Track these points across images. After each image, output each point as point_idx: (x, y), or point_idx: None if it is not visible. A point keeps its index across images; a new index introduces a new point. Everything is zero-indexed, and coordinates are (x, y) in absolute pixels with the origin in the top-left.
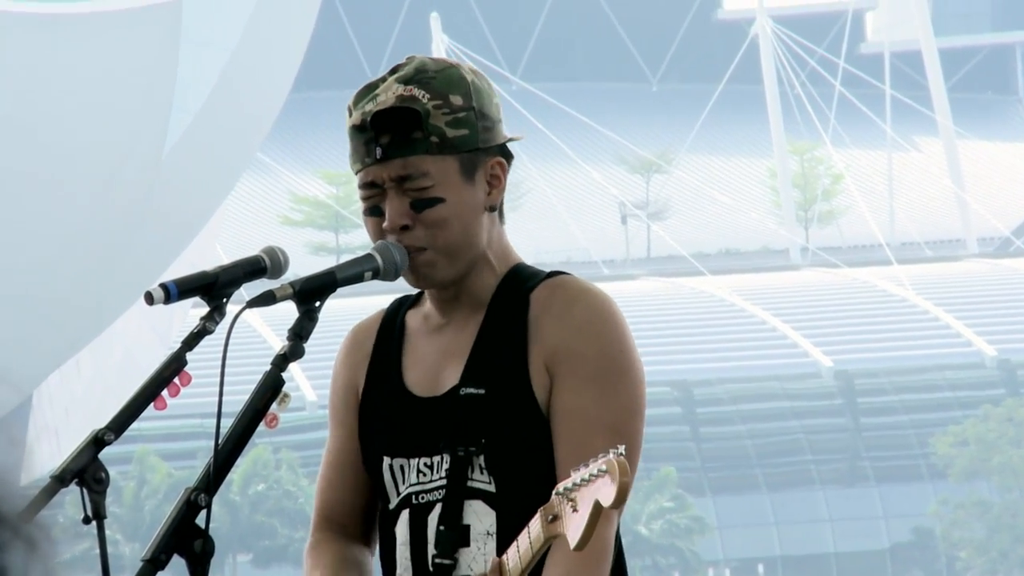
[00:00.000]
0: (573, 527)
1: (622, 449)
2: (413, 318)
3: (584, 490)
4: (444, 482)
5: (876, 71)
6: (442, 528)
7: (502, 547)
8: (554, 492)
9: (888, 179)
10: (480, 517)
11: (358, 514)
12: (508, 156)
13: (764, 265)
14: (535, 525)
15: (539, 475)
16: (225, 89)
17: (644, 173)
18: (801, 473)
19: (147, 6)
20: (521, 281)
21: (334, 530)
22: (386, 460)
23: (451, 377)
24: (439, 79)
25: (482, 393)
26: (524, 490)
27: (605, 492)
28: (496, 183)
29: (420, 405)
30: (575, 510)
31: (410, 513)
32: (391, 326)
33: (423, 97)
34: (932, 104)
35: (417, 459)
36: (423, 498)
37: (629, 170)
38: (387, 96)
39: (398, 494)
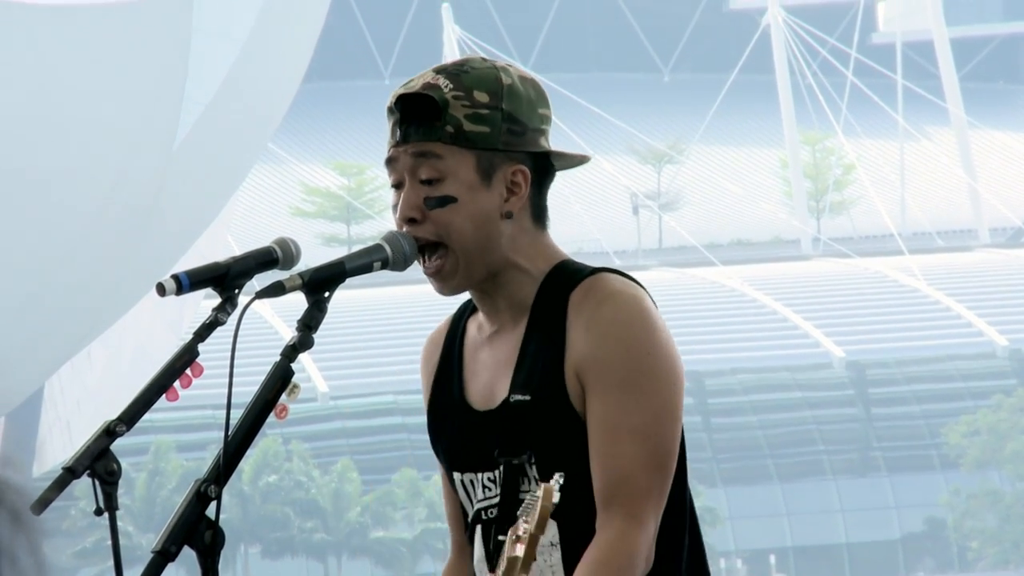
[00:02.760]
0: (521, 547)
1: (559, 477)
2: (472, 326)
3: (532, 511)
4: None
5: (888, 61)
6: (500, 539)
7: (567, 556)
8: (518, 513)
9: (900, 169)
10: None
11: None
12: (543, 169)
13: (776, 255)
14: (507, 547)
15: (586, 484)
16: (236, 80)
17: (656, 163)
18: (813, 463)
19: None
20: (562, 282)
21: (460, 553)
22: (456, 476)
23: (503, 388)
24: (472, 75)
25: (528, 400)
26: (582, 497)
27: (532, 516)
28: (516, 190)
29: (479, 419)
30: (518, 540)
31: (482, 529)
32: (455, 335)
33: (446, 87)
34: (944, 94)
35: (482, 474)
36: (491, 513)
37: (641, 160)
38: (416, 82)
39: (472, 507)
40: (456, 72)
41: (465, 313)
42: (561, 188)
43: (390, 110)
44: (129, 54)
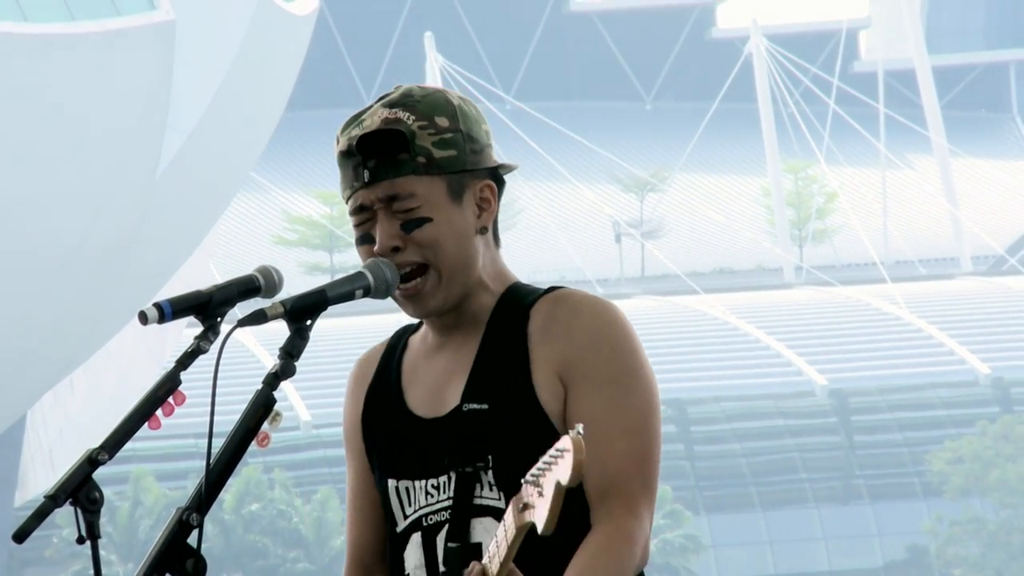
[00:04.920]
0: (540, 512)
1: (580, 428)
2: (414, 341)
3: (548, 473)
4: (451, 501)
5: (870, 89)
6: (450, 545)
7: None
8: (523, 480)
9: (882, 197)
10: (491, 534)
11: (383, 551)
12: (499, 181)
13: (758, 284)
14: (508, 516)
15: None
16: (219, 109)
17: (638, 192)
18: (795, 491)
19: (141, 26)
20: (519, 298)
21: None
22: (391, 483)
23: (453, 396)
24: (424, 102)
25: (485, 408)
26: None
27: (563, 471)
28: (486, 206)
29: (423, 426)
30: (541, 495)
31: (422, 536)
32: (393, 352)
33: (408, 119)
34: (926, 122)
35: (424, 481)
36: (431, 519)
37: (623, 189)
38: (373, 120)
39: (405, 517)
40: (409, 103)
41: (405, 334)
42: (543, 216)
43: (347, 153)
44: (112, 82)
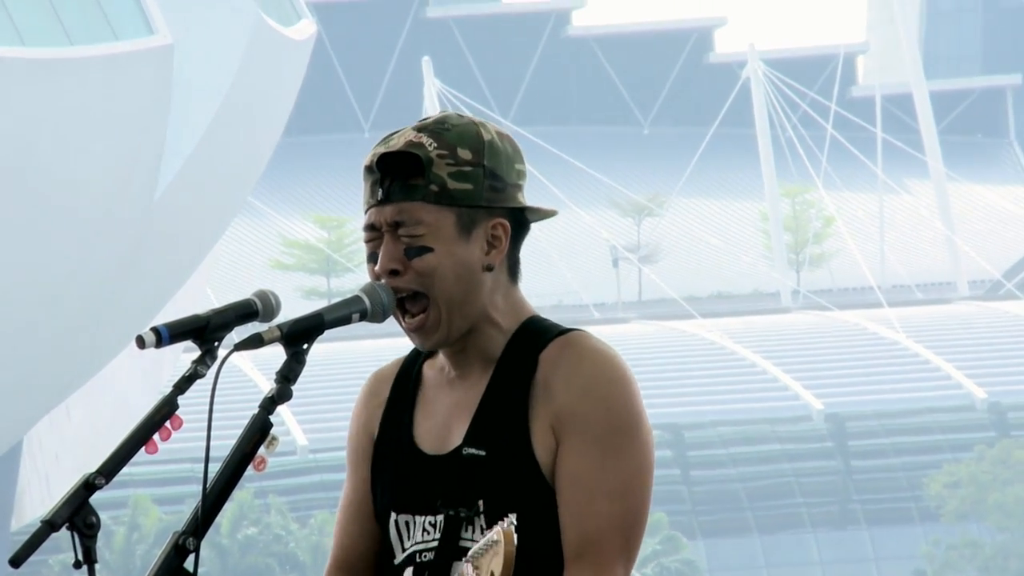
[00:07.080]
0: None
1: (513, 518)
2: (430, 369)
3: (484, 557)
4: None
5: (867, 114)
6: None
7: None
8: (464, 559)
9: (879, 222)
10: None
11: (371, 561)
12: (521, 223)
13: (755, 308)
14: None
15: (539, 537)
16: (216, 134)
17: (635, 216)
18: (792, 516)
19: (139, 50)
20: (532, 338)
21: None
22: (393, 515)
23: (456, 436)
24: (453, 132)
25: (482, 455)
26: (524, 551)
27: (497, 562)
28: (497, 244)
29: (427, 463)
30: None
31: (414, 571)
32: (408, 375)
33: (430, 145)
34: (923, 147)
35: (423, 517)
36: (425, 556)
37: (620, 213)
38: (398, 141)
39: (403, 550)
40: (438, 130)
41: (420, 358)
42: (541, 241)
43: (369, 169)
44: (110, 107)
